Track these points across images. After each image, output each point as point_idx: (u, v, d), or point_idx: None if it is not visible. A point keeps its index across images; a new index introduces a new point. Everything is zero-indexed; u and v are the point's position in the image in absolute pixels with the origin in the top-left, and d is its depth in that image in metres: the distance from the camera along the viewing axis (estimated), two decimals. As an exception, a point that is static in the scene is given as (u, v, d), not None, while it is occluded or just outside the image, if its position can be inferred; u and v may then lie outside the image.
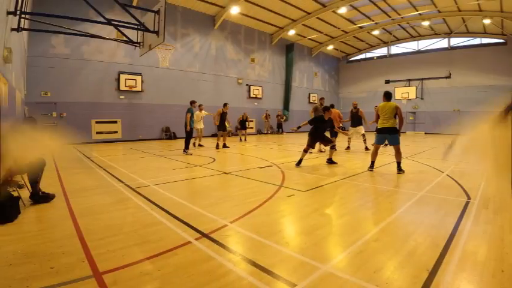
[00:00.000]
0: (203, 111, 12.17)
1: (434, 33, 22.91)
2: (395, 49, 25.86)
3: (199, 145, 12.36)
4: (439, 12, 18.94)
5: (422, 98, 23.26)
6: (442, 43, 23.32)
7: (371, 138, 8.80)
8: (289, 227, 3.57)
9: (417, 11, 18.85)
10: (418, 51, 24.52)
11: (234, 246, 2.87)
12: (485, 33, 21.02)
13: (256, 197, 4.50)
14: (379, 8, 18.92)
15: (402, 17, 19.98)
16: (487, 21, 18.33)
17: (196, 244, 2.84)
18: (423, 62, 23.67)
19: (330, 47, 25.34)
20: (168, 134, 16.10)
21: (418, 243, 2.88)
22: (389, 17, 20.02)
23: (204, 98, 16.25)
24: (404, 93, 22.90)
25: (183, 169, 6.98)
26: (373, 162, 6.73)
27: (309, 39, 23.13)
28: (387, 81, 24.91)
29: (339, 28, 21.21)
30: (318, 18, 19.73)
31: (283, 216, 3.87)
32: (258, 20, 19.31)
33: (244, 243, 2.96)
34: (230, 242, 2.96)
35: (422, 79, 23.23)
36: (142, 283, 2.17)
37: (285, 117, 22.37)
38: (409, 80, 23.69)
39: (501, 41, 20.61)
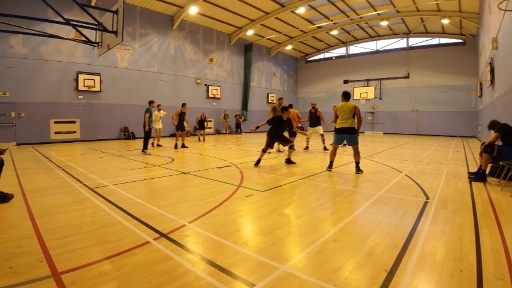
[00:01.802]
0: (162, 111, 12.48)
1: (392, 33, 24.09)
2: (354, 49, 26.97)
3: (158, 145, 12.63)
4: (398, 12, 19.89)
5: (381, 98, 24.28)
6: (401, 43, 24.47)
7: (330, 138, 9.00)
8: (248, 227, 3.59)
9: (376, 11, 19.61)
10: (377, 51, 25.66)
11: (193, 246, 2.91)
12: (443, 33, 22.23)
13: (214, 197, 4.62)
14: (338, 8, 19.66)
15: (361, 17, 20.85)
16: (445, 21, 19.28)
17: (155, 244, 2.89)
18: (382, 62, 24.79)
19: (289, 47, 26.07)
20: (127, 134, 16.36)
21: (376, 243, 2.94)
22: (348, 17, 20.85)
23: (162, 98, 16.63)
24: (363, 93, 23.80)
25: (141, 169, 7.10)
26: (331, 162, 6.88)
27: (268, 39, 23.63)
28: (346, 81, 25.85)
29: (297, 28, 21.76)
30: (276, 18, 20.31)
31: (241, 216, 3.90)
32: (216, 20, 19.62)
33: (203, 243, 2.98)
34: (189, 242, 3.00)
35: (381, 79, 24.30)
36: (100, 283, 2.19)
37: (243, 117, 22.84)
38: (368, 80, 24.71)
39: (459, 41, 21.75)
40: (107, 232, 3.11)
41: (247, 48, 23.29)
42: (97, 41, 8.05)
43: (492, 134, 5.94)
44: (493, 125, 6.17)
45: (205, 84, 20.56)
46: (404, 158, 7.45)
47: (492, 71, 11.28)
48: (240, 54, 23.27)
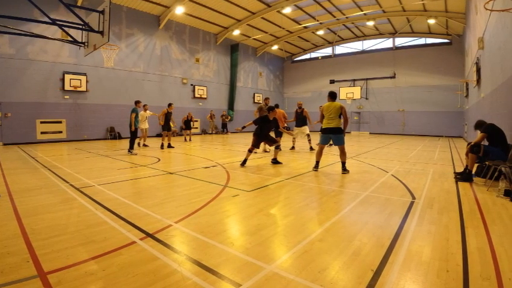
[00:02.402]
0: (148, 111, 12.51)
1: (379, 33, 24.37)
2: (340, 49, 27.22)
3: (144, 145, 12.68)
4: (384, 12, 20.13)
5: (367, 98, 24.55)
6: (387, 43, 24.77)
7: (316, 138, 9.05)
8: (234, 227, 3.62)
9: (362, 11, 19.80)
10: (363, 51, 25.93)
11: (179, 246, 2.94)
12: (430, 33, 22.59)
13: (200, 197, 4.66)
14: (324, 8, 19.82)
15: (347, 17, 21.03)
16: (431, 21, 19.57)
17: (141, 244, 2.93)
18: (368, 62, 25.06)
19: (275, 47, 26.22)
20: (113, 134, 16.37)
21: (362, 243, 2.97)
22: (334, 17, 21.02)
23: (148, 98, 16.74)
24: (349, 93, 24.05)
25: (127, 169, 7.08)
26: (317, 162, 6.95)
27: (254, 39, 23.72)
28: (332, 81, 26.10)
29: (283, 28, 21.87)
30: (262, 18, 20.41)
31: (227, 216, 3.94)
32: (202, 20, 19.60)
33: (189, 243, 3.01)
34: (175, 242, 3.03)
35: (367, 79, 24.57)
36: (86, 283, 2.22)
37: (229, 117, 22.89)
38: (354, 80, 24.95)
39: (446, 41, 22.12)
40: (93, 232, 3.14)
41: (234, 48, 23.34)
42: (83, 41, 8.06)
43: (478, 134, 6.01)
44: (479, 125, 6.26)
45: (192, 84, 20.55)
46: (390, 158, 7.53)
47: (478, 71, 11.50)
48: (226, 54, 23.31)
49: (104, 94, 16.14)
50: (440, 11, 18.70)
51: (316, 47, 27.84)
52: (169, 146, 12.07)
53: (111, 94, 16.40)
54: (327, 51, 27.71)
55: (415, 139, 18.36)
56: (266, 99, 10.96)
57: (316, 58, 28.09)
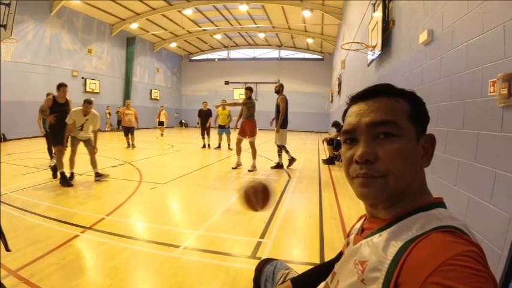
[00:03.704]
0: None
1: (268, 44, 27.12)
2: (235, 54, 28.90)
3: None
4: (273, 27, 22.27)
5: (256, 99, 26.54)
6: (274, 53, 27.73)
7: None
8: (161, 210, 4.22)
9: (255, 23, 21.65)
10: (254, 58, 28.29)
11: (119, 231, 3.28)
12: (308, 49, 26.37)
13: (121, 193, 4.84)
14: (223, 16, 20.85)
15: (242, 27, 22.57)
16: (310, 40, 23.12)
17: (84, 235, 3.14)
18: (258, 68, 27.53)
19: (173, 45, 26.00)
20: None
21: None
22: (231, 25, 22.34)
23: (35, 92, 14.24)
24: (241, 94, 25.68)
25: (34, 173, 6.22)
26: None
27: (153, 34, 22.95)
28: (226, 82, 27.52)
29: (183, 28, 21.88)
30: (163, 15, 19.89)
31: (151, 203, 4.44)
32: (99, 8, 17.92)
33: (126, 228, 3.43)
34: (114, 229, 3.33)
35: (257, 83, 26.75)
36: (56, 270, 2.40)
37: None
38: (246, 83, 26.70)
39: (319, 57, 26.38)
40: (33, 233, 3.13)
41: (130, 42, 22.13)
42: None
43: (335, 132, 7.98)
44: (335, 124, 8.29)
45: (83, 77, 18.44)
46: (274, 149, 8.70)
47: (340, 84, 14.37)
48: (121, 47, 21.85)
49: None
50: (318, 33, 22.18)
51: (213, 49, 28.83)
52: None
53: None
54: (223, 54, 29.00)
55: (294, 134, 20.94)
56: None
57: (213, 59, 29.02)
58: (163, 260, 2.68)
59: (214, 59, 28.94)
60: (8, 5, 6.72)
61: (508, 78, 1.69)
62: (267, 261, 1.33)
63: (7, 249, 1.35)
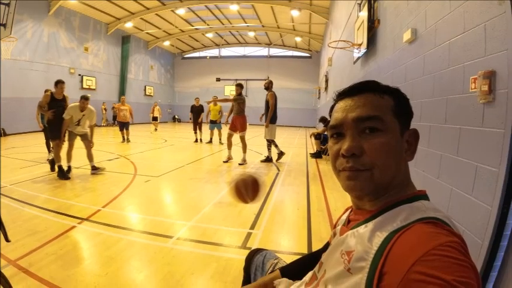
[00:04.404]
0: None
1: (257, 43, 26.82)
2: (226, 52, 28.60)
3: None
4: (263, 26, 22.10)
5: (247, 96, 26.45)
6: (263, 51, 27.52)
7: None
8: (155, 202, 4.17)
9: (245, 23, 21.49)
10: (244, 56, 28.04)
11: (115, 222, 3.27)
12: (296, 47, 26.19)
13: (116, 185, 4.81)
14: (214, 15, 20.69)
15: (233, 26, 22.29)
16: (298, 38, 23.03)
17: (81, 226, 3.13)
18: (248, 65, 27.31)
19: (167, 43, 25.71)
20: None
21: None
22: (223, 24, 22.13)
23: (34, 89, 14.06)
24: (232, 91, 25.65)
25: (32, 167, 6.14)
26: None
27: (147, 33, 22.66)
28: (218, 79, 27.35)
29: (176, 27, 21.63)
30: (156, 14, 19.67)
31: (146, 196, 4.41)
32: (94, 8, 17.63)
33: (121, 219, 3.41)
34: (110, 220, 3.32)
35: (247, 80, 26.60)
36: (53, 260, 2.39)
37: None
38: (237, 80, 26.65)
39: (307, 55, 26.22)
40: (32, 225, 3.10)
41: (125, 40, 21.83)
42: None
43: (322, 127, 7.96)
44: (322, 120, 8.25)
45: (80, 75, 18.19)
46: (263, 144, 8.62)
47: (327, 81, 14.32)
48: (117, 45, 21.55)
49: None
50: (305, 32, 22.03)
51: (205, 47, 28.54)
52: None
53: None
54: (215, 52, 28.70)
55: (282, 129, 20.85)
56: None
57: (205, 57, 28.72)
58: (157, 250, 2.66)
59: (206, 56, 28.65)
60: (8, 4, 6.63)
61: (488, 75, 1.67)
62: (257, 251, 1.32)
63: (7, 239, 1.32)
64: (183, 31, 23.82)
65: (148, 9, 19.04)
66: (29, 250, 2.54)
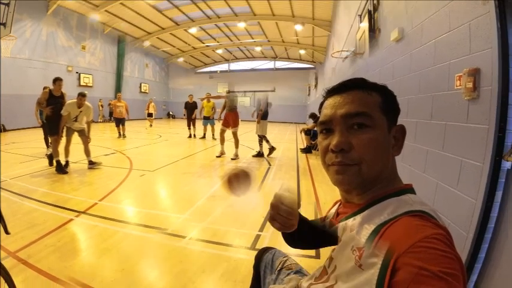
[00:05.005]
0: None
1: (264, 57, 27.45)
2: (235, 66, 29.43)
3: None
4: (269, 41, 22.50)
5: (254, 106, 26.51)
6: (270, 64, 28.14)
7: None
8: (150, 196, 4.12)
9: (252, 38, 22.09)
10: (252, 69, 28.66)
11: (111, 215, 3.23)
12: (300, 59, 26.51)
13: (112, 179, 4.76)
14: (223, 33, 21.18)
15: (241, 42, 22.78)
16: (302, 51, 23.13)
17: (78, 219, 3.09)
18: (255, 78, 27.70)
19: (180, 59, 26.35)
20: None
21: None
22: (231, 40, 22.52)
23: (32, 87, 13.66)
24: (241, 102, 26.11)
25: (31, 161, 6.03)
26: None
27: (163, 51, 23.52)
28: (228, 92, 27.25)
29: (189, 44, 22.47)
30: (171, 34, 20.33)
31: (141, 190, 4.35)
32: (93, 6, 16.92)
33: (118, 212, 3.36)
34: (106, 213, 3.28)
35: (255, 91, 26.76)
36: (51, 252, 2.38)
37: None
38: (245, 91, 26.91)
39: (311, 66, 26.29)
40: (31, 218, 3.07)
41: (121, 39, 21.37)
42: None
43: (312, 123, 7.96)
44: (312, 116, 8.24)
45: (77, 72, 17.86)
46: (255, 139, 8.53)
47: (316, 79, 14.18)
48: (113, 44, 21.11)
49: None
50: (309, 45, 22.25)
51: (215, 62, 29.44)
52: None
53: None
54: (224, 66, 29.60)
55: (273, 125, 21.06)
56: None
57: (215, 72, 29.38)
58: (153, 243, 2.63)
59: (217, 71, 29.25)
60: (8, 4, 6.48)
61: (473, 72, 1.65)
62: (266, 249, 1.31)
63: (6, 232, 1.29)
64: (195, 48, 24.31)
65: (163, 29, 19.64)
66: (28, 242, 2.51)
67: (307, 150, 7.93)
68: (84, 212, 3.26)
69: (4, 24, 6.55)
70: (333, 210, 0.84)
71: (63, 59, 16.85)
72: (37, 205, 3.46)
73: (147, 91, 25.23)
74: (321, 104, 0.78)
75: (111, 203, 3.66)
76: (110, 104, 20.28)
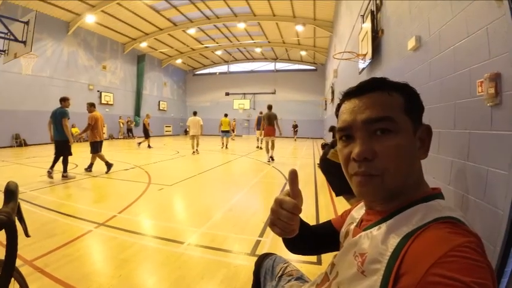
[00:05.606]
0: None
1: (264, 58, 27.15)
2: (234, 67, 28.99)
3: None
4: (269, 42, 22.41)
5: (254, 109, 26.70)
6: (270, 66, 27.80)
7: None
8: (168, 209, 4.17)
9: (252, 39, 21.85)
10: (252, 71, 28.33)
11: (129, 227, 3.26)
12: (301, 61, 26.36)
13: (132, 193, 4.84)
14: (222, 33, 21.06)
15: (240, 43, 22.65)
16: (303, 52, 23.14)
17: (97, 231, 3.14)
18: (255, 80, 27.58)
19: (179, 61, 26.22)
20: (19, 141, 13.34)
21: (256, 211, 3.88)
22: (230, 41, 22.44)
23: (54, 104, 13.78)
24: (240, 104, 26.29)
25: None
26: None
27: (160, 52, 23.14)
28: (227, 94, 27.68)
29: (187, 45, 21.95)
30: (169, 34, 20.24)
31: (159, 203, 4.40)
32: (111, 29, 18.23)
33: (135, 225, 3.40)
34: (124, 225, 3.31)
35: (255, 93, 26.84)
36: (70, 261, 2.41)
37: (134, 123, 21.91)
38: (245, 94, 27.05)
39: (313, 68, 26.35)
40: (50, 228, 3.12)
41: (140, 59, 22.42)
42: (3, 49, 7.43)
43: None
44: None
45: (98, 91, 18.74)
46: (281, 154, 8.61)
47: (333, 92, 14.21)
48: (133, 64, 22.13)
49: (7, 99, 12.97)
50: (310, 46, 22.04)
51: (215, 64, 29.05)
52: None
53: (15, 99, 13.29)
54: (224, 68, 29.16)
55: (289, 140, 20.95)
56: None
57: (214, 73, 29.20)
58: (169, 254, 2.63)
59: (216, 72, 29.10)
60: (27, 23, 6.95)
61: (494, 77, 1.59)
62: (267, 255, 1.29)
63: (27, 234, 1.31)
64: (193, 49, 24.26)
65: (161, 29, 19.56)
66: (46, 251, 2.54)
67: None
68: (103, 224, 3.31)
69: (24, 42, 6.98)
70: (355, 215, 0.80)
71: (84, 78, 17.59)
72: (57, 216, 3.54)
73: (165, 109, 25.88)
74: (338, 107, 0.74)
75: (130, 215, 3.71)
76: (128, 121, 21.16)
